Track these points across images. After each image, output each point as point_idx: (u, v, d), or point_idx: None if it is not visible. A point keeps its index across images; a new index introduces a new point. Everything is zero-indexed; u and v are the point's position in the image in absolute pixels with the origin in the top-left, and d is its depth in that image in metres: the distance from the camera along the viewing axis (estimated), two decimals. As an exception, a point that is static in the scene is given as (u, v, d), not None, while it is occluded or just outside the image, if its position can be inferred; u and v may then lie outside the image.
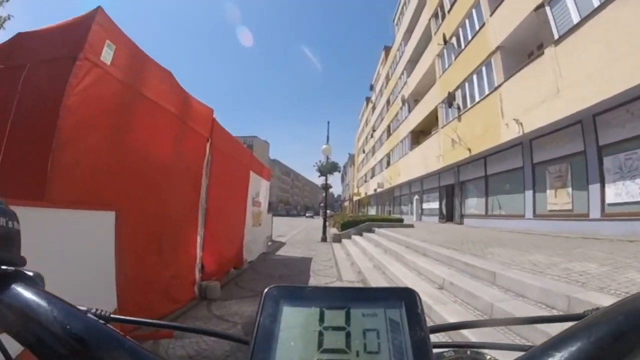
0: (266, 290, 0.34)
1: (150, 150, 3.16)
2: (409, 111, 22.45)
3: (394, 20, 29.98)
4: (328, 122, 12.45)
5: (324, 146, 12.31)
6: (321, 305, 0.33)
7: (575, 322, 0.29)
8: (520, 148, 11.49)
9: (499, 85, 11.64)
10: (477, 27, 13.28)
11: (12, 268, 0.35)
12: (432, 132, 18.13)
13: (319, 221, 38.60)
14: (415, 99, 22.01)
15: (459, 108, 15.01)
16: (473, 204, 14.87)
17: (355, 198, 47.26)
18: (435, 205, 19.00)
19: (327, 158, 12.62)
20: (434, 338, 0.33)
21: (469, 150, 13.48)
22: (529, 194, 10.90)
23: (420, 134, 20.96)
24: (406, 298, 0.33)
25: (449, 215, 17.14)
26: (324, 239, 11.58)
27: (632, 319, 0.27)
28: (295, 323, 0.31)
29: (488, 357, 0.39)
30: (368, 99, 45.15)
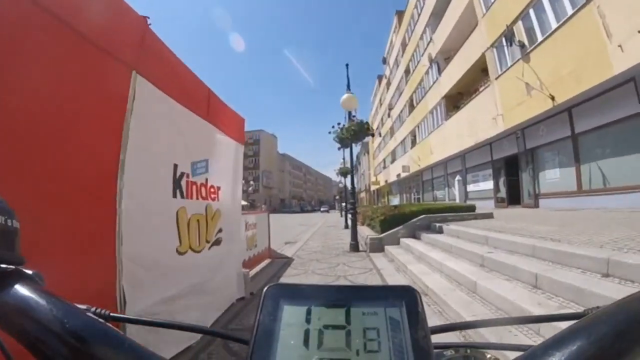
0: (266, 288, 0.33)
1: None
2: (440, 72, 18.07)
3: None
4: (347, 65, 8.22)
5: (345, 96, 7.63)
6: (321, 304, 0.32)
7: (575, 321, 0.29)
8: (632, 85, 7.30)
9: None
10: None
11: (12, 267, 0.34)
12: (481, 89, 13.75)
13: (335, 216, 34.84)
14: (445, 57, 17.68)
15: (522, 46, 10.64)
16: (553, 177, 10.56)
17: (374, 187, 42.98)
18: (486, 185, 14.71)
19: (350, 115, 7.79)
20: (434, 338, 0.32)
21: (552, 98, 9.16)
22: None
23: (458, 98, 16.59)
24: (407, 297, 0.33)
25: (512, 196, 12.84)
26: (354, 247, 7.08)
27: (633, 318, 0.27)
28: (295, 321, 0.31)
29: (488, 356, 0.38)
30: (380, 77, 40.70)
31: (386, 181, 35.43)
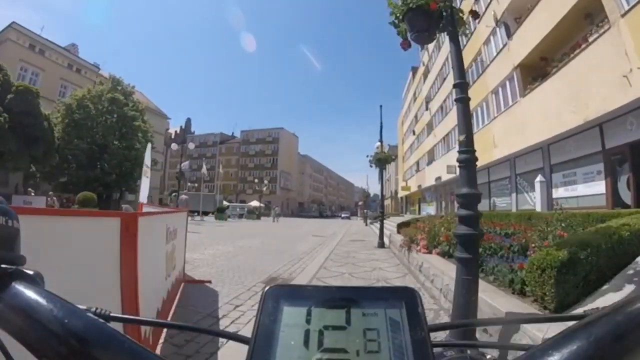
0: (266, 289, 0.33)
1: None
2: (509, 36, 13.29)
3: None
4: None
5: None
6: (322, 305, 0.32)
7: (575, 322, 0.29)
8: None
9: None
10: None
11: (13, 267, 0.34)
12: (591, 39, 8.89)
13: (358, 225, 30.13)
14: (516, 17, 12.98)
15: None
16: None
17: (403, 193, 37.94)
18: (592, 188, 9.77)
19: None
20: (435, 337, 0.33)
21: None
22: None
23: (540, 66, 11.74)
24: (406, 297, 0.33)
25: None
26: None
27: (632, 319, 0.27)
28: (295, 322, 0.31)
29: (488, 356, 0.39)
30: (415, 69, 35.88)
31: (419, 186, 30.41)
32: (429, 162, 27.46)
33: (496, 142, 14.38)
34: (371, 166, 12.86)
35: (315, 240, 12.67)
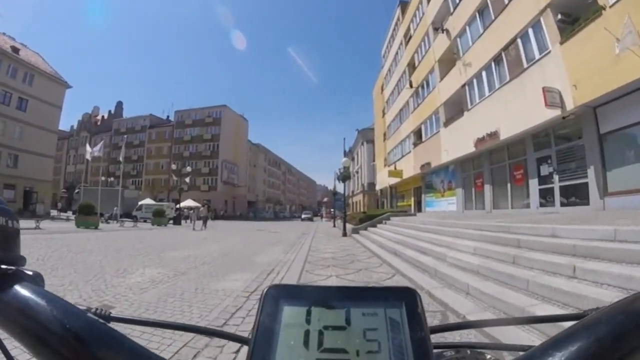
0: (266, 289, 0.33)
1: None
2: None
3: None
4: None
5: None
6: (321, 305, 0.32)
7: (575, 322, 0.29)
8: None
9: None
10: None
11: (12, 267, 0.34)
12: None
13: (325, 227, 18.85)
14: None
15: None
16: None
17: (389, 182, 26.26)
18: None
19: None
20: (434, 338, 0.32)
21: None
22: None
23: None
24: (406, 298, 0.33)
25: None
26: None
27: (632, 318, 0.27)
28: (295, 322, 0.31)
29: (488, 357, 0.38)
30: (404, 4, 24.55)
31: (425, 165, 18.77)
32: (448, 122, 15.97)
33: None
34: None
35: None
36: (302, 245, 11.00)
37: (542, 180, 10.35)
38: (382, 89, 32.10)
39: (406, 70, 23.09)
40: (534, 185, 10.68)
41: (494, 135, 11.96)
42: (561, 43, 8.92)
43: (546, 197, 10.25)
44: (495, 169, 13.19)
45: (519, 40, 10.93)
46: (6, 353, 0.33)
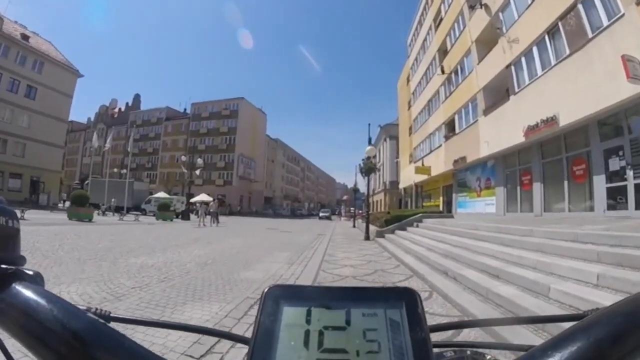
0: (266, 289, 0.33)
1: None
2: None
3: None
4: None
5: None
6: (321, 305, 0.32)
7: (575, 322, 0.29)
8: None
9: None
10: None
11: (13, 267, 0.34)
12: None
13: (344, 227, 17.28)
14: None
15: None
16: None
17: (415, 179, 23.96)
18: None
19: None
20: (434, 338, 0.33)
21: None
22: None
23: None
24: (406, 298, 0.33)
25: None
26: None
27: (632, 319, 0.27)
28: (295, 322, 0.31)
29: (488, 357, 0.39)
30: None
31: (458, 160, 16.47)
32: (488, 109, 13.64)
33: None
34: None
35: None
36: (314, 252, 9.10)
37: (611, 177, 8.24)
38: (408, 80, 29.65)
39: (436, 56, 20.67)
40: (599, 183, 8.48)
41: (551, 121, 9.63)
42: (637, 3, 6.76)
43: (616, 197, 8.09)
44: (548, 163, 10.84)
45: (579, 6, 8.72)
46: (6, 353, 0.33)
